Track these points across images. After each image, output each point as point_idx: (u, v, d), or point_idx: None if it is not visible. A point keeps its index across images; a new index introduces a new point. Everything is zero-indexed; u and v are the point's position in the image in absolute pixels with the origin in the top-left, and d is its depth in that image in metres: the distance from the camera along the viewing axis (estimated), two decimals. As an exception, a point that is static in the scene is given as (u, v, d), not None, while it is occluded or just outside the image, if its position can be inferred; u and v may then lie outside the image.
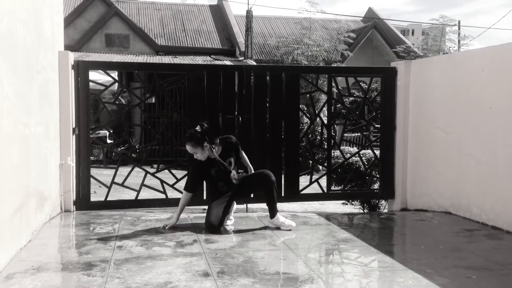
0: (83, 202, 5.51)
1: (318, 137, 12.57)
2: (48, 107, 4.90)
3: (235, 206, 5.08)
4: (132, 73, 14.79)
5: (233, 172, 4.82)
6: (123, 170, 5.98)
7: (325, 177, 6.18)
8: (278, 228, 4.75)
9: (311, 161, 6.52)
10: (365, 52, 19.54)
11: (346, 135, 10.00)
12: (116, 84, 8.10)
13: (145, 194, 5.82)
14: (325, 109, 7.80)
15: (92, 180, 5.58)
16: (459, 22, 22.07)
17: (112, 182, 5.67)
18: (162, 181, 5.78)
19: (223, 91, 5.86)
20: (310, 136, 11.97)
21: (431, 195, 5.85)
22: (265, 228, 4.81)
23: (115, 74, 10.88)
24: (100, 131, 11.91)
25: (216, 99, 5.82)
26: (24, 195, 4.05)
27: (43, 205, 4.66)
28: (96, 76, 7.71)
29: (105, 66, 6.57)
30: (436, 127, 5.74)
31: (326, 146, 6.59)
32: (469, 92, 5.29)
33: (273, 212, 4.79)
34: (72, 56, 5.49)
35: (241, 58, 17.21)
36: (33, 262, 3.58)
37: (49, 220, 4.91)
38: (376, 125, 6.78)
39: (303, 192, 6.07)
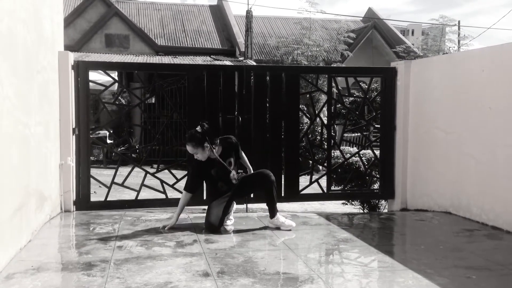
0: (83, 202, 5.51)
1: (318, 137, 12.57)
2: (48, 107, 4.90)
3: (235, 206, 5.07)
4: (132, 73, 14.79)
5: (233, 172, 4.82)
6: (123, 170, 5.98)
7: (325, 177, 6.18)
8: (278, 228, 4.75)
9: (311, 161, 6.52)
10: (365, 52, 19.54)
11: (346, 135, 10.01)
12: (116, 84, 8.11)
13: (145, 194, 5.82)
14: (325, 109, 7.80)
15: (92, 180, 5.58)
16: (459, 22, 22.07)
17: (112, 182, 5.67)
18: (162, 181, 5.78)
19: (223, 91, 5.86)
20: (310, 136, 11.97)
21: (431, 195, 5.85)
22: (265, 228, 4.81)
23: (115, 74, 10.88)
24: (100, 131, 11.91)
25: (216, 99, 5.82)
26: (24, 195, 4.05)
27: (43, 205, 4.66)
28: (96, 76, 7.71)
29: (105, 66, 6.58)
30: (436, 127, 5.74)
31: (326, 146, 6.59)
32: (469, 92, 5.29)
33: (273, 212, 4.79)
34: (72, 56, 5.49)
35: (241, 58, 17.21)
36: (33, 262, 3.58)
37: (49, 220, 4.91)
38: (376, 125, 6.78)
39: (303, 192, 6.07)
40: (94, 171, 5.84)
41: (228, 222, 4.83)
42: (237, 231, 4.69)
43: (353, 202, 7.03)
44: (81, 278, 3.28)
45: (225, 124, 5.79)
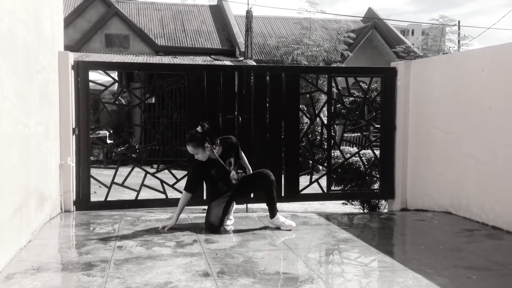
0: (83, 202, 5.51)
1: (318, 137, 12.57)
2: (48, 107, 4.90)
3: (235, 206, 5.07)
4: (132, 73, 14.79)
5: (233, 172, 4.82)
6: (123, 170, 5.98)
7: (325, 177, 6.18)
8: (278, 228, 4.75)
9: (311, 161, 6.52)
10: (365, 52, 19.54)
11: (346, 135, 10.00)
12: (116, 84, 8.11)
13: (145, 194, 5.82)
14: (325, 109, 7.80)
15: (92, 180, 5.58)
16: (459, 22, 22.06)
17: (112, 182, 5.67)
18: (162, 181, 5.78)
19: (223, 91, 5.86)
20: (310, 136, 11.97)
21: (431, 195, 5.85)
22: (265, 228, 4.81)
23: (115, 74, 10.88)
24: (100, 131, 11.91)
25: (216, 99, 5.82)
26: (24, 195, 4.05)
27: (43, 205, 4.66)
28: (96, 76, 7.71)
29: (105, 66, 6.58)
30: (436, 127, 5.74)
31: (326, 146, 6.59)
32: (469, 92, 5.29)
33: (273, 212, 4.79)
34: (72, 56, 5.49)
35: (241, 58, 17.21)
36: (33, 262, 3.58)
37: (49, 220, 4.91)
38: (376, 125, 6.78)
39: (303, 192, 6.07)
40: (94, 171, 5.84)
41: (228, 222, 4.83)
42: (237, 231, 4.69)
43: (353, 202, 7.03)
44: (81, 278, 3.28)
45: (225, 124, 5.79)
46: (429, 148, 5.87)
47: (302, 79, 6.70)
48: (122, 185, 5.71)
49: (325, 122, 6.77)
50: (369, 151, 6.68)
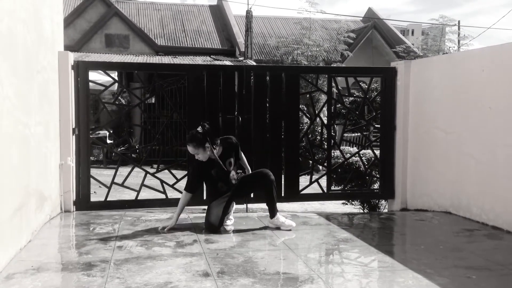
0: (83, 202, 5.51)
1: (318, 137, 12.57)
2: (48, 107, 4.90)
3: (235, 206, 5.07)
4: (132, 73, 14.79)
5: (233, 173, 4.82)
6: (123, 170, 5.98)
7: (325, 177, 6.18)
8: (278, 228, 4.75)
9: (311, 161, 6.52)
10: (365, 52, 19.54)
11: (346, 135, 10.00)
12: (116, 84, 8.10)
13: (145, 194, 5.82)
14: (325, 109, 7.80)
15: (92, 180, 5.58)
16: (459, 22, 22.05)
17: (112, 182, 5.66)
18: (162, 181, 5.78)
19: (223, 91, 5.86)
20: (310, 136, 11.97)
21: (431, 195, 5.85)
22: (265, 228, 4.81)
23: (115, 75, 10.89)
24: (100, 131, 11.91)
25: (216, 99, 5.82)
26: (24, 195, 4.05)
27: (43, 205, 4.66)
28: (96, 76, 7.71)
29: (105, 66, 6.58)
30: (436, 127, 5.74)
31: (326, 146, 6.59)
32: (469, 92, 5.29)
33: (273, 212, 4.79)
34: (72, 56, 5.49)
35: (241, 58, 17.21)
36: (33, 262, 3.58)
37: (49, 220, 4.91)
38: (376, 125, 6.78)
39: (303, 192, 6.07)
40: (94, 171, 5.84)
41: (228, 222, 4.83)
42: (237, 231, 4.69)
43: (353, 202, 7.03)
44: (81, 278, 3.28)
45: (225, 124, 5.79)
46: (429, 148, 5.87)
47: (302, 79, 6.70)
48: (122, 185, 5.71)
49: (325, 122, 6.76)
50: (369, 151, 6.68)
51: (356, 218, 5.58)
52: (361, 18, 23.82)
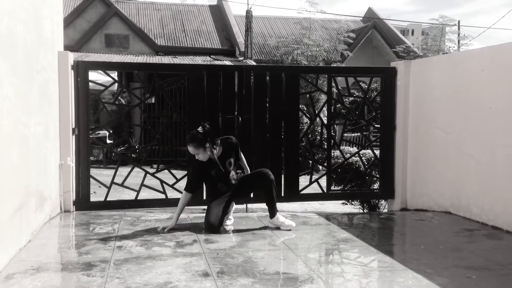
0: (82, 202, 5.51)
1: (318, 137, 12.57)
2: (48, 107, 4.90)
3: (234, 206, 5.07)
4: (132, 73, 14.79)
5: (232, 173, 4.82)
6: (123, 170, 5.98)
7: (325, 177, 6.17)
8: (278, 228, 4.75)
9: (311, 161, 6.52)
10: (365, 52, 19.54)
11: (346, 135, 10.00)
12: (116, 84, 8.10)
13: (145, 194, 5.82)
14: (325, 109, 7.80)
15: (92, 180, 5.58)
16: (458, 22, 22.05)
17: (112, 182, 5.66)
18: (162, 181, 5.78)
19: (223, 91, 5.86)
20: (310, 136, 11.97)
21: (431, 195, 5.85)
22: (265, 228, 4.81)
23: (114, 75, 10.89)
24: (100, 131, 11.91)
25: (216, 99, 5.82)
26: (24, 195, 4.05)
27: (43, 205, 4.66)
28: (96, 76, 7.71)
29: (104, 66, 6.58)
30: (436, 127, 5.74)
31: (326, 146, 6.59)
32: (468, 92, 5.29)
33: (272, 212, 4.78)
34: (71, 56, 5.49)
35: (241, 58, 17.21)
36: (33, 262, 3.58)
37: (49, 220, 4.91)
38: (376, 125, 6.78)
39: (303, 192, 6.07)
40: (94, 171, 5.84)
41: (228, 222, 4.83)
42: (237, 231, 4.69)
43: (353, 202, 7.03)
44: (80, 278, 3.28)
45: (225, 124, 5.79)
46: (429, 148, 5.87)
47: (302, 79, 6.70)
48: (122, 185, 5.71)
49: (325, 122, 6.77)
50: (369, 151, 6.68)
51: (356, 218, 5.58)
52: (361, 18, 23.82)
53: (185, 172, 5.71)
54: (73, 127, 5.40)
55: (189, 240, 4.30)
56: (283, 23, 22.46)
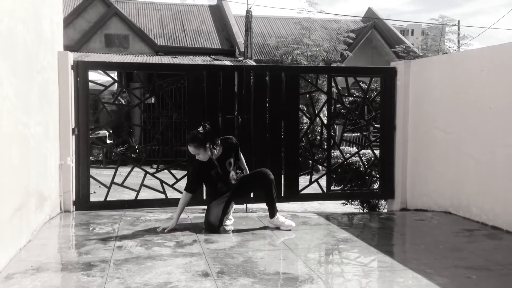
0: (82, 202, 5.51)
1: (318, 137, 12.57)
2: (48, 107, 4.90)
3: (234, 206, 5.07)
4: (132, 73, 14.79)
5: (232, 173, 4.83)
6: (123, 170, 5.98)
7: (325, 177, 6.18)
8: (277, 228, 4.75)
9: (311, 161, 6.52)
10: (365, 52, 19.54)
11: (346, 135, 10.00)
12: (116, 84, 8.10)
13: (145, 194, 5.82)
14: (324, 109, 7.80)
15: (91, 180, 5.58)
16: (458, 22, 22.04)
17: (112, 182, 5.66)
18: (161, 181, 5.78)
19: (223, 91, 5.86)
20: (310, 136, 11.97)
21: (431, 195, 5.85)
22: (265, 228, 4.81)
23: (114, 75, 10.88)
24: (100, 131, 11.91)
25: (215, 99, 5.82)
26: (24, 195, 4.05)
27: (43, 205, 4.66)
28: (96, 76, 7.71)
29: (104, 66, 6.58)
30: (436, 127, 5.74)
31: (326, 146, 6.60)
32: (468, 92, 5.29)
33: (272, 212, 4.78)
34: (71, 56, 5.49)
35: (241, 58, 17.21)
36: (33, 262, 3.58)
37: (48, 220, 4.91)
38: (376, 125, 6.78)
39: (303, 192, 6.07)
40: (93, 171, 5.84)
41: (228, 222, 4.83)
42: (236, 231, 4.69)
43: (353, 202, 7.03)
44: (80, 278, 3.28)
45: (224, 124, 5.79)
46: (428, 148, 5.87)
47: (302, 79, 6.70)
48: (121, 185, 5.71)
49: (325, 122, 6.77)
50: (369, 151, 6.68)
51: (356, 218, 5.58)
52: (361, 18, 23.82)
53: (185, 172, 5.71)
54: (73, 127, 5.40)
55: (189, 240, 4.30)
56: (283, 23, 22.46)
